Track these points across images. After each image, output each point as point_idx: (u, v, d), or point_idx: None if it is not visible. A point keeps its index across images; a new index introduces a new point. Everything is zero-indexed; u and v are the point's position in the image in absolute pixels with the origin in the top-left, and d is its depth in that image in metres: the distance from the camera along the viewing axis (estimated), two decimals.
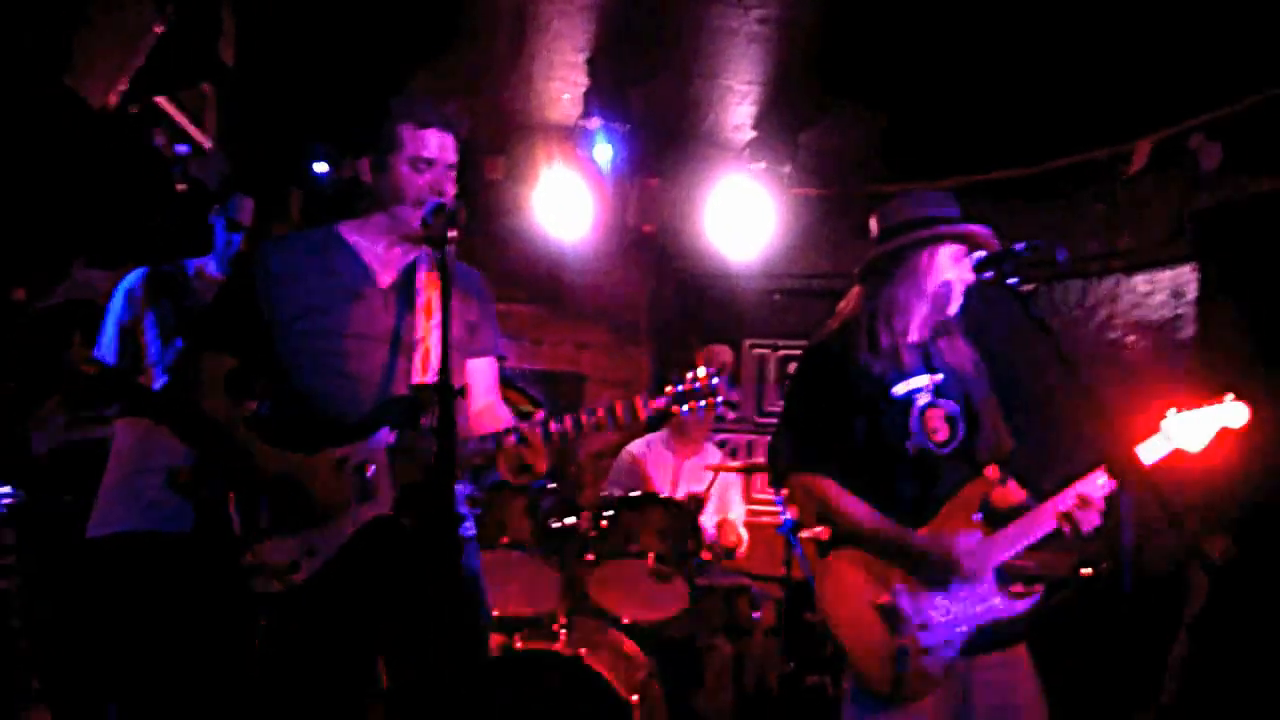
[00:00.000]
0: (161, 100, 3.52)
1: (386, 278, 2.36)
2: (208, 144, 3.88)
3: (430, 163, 2.30)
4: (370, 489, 2.20)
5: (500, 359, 2.55)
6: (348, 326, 2.28)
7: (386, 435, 2.23)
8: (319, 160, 4.61)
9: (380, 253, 2.38)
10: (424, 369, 2.27)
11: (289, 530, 2.19)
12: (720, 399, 2.24)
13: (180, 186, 3.46)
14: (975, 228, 2.49)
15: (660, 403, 2.24)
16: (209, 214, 3.12)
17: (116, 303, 3.03)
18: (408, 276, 2.38)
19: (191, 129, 3.76)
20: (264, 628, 2.27)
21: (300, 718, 2.21)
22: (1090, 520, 2.37)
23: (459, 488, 2.42)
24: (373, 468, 2.20)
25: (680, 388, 2.25)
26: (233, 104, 4.03)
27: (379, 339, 2.29)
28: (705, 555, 4.19)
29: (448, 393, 1.99)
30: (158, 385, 2.91)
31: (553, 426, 2.22)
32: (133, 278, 3.06)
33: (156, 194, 3.69)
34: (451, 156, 2.34)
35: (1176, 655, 3.40)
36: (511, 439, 2.20)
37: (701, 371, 2.26)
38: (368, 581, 2.21)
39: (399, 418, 2.24)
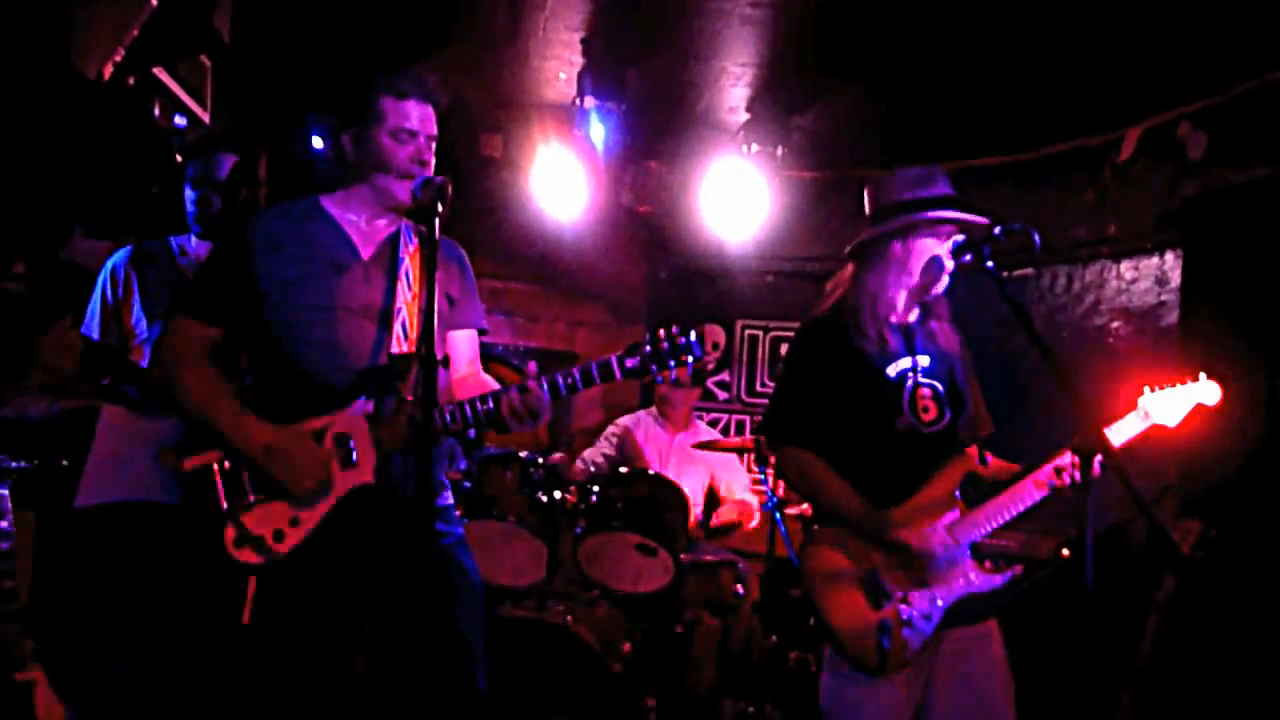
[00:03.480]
0: (160, 72, 3.54)
1: (368, 250, 2.38)
2: (205, 116, 3.89)
3: (412, 134, 2.32)
4: (351, 458, 2.23)
5: (481, 332, 2.57)
6: (328, 298, 2.30)
7: (365, 404, 2.25)
8: (316, 135, 4.62)
9: (362, 225, 2.40)
10: (404, 339, 2.29)
11: (273, 501, 2.21)
12: (692, 357, 2.24)
13: (178, 158, 3.47)
14: (952, 215, 2.52)
15: (633, 362, 2.24)
16: (185, 174, 3.07)
17: (102, 280, 3.04)
18: (390, 248, 2.40)
19: (189, 101, 3.78)
20: (253, 598, 2.31)
21: (289, 686, 2.24)
22: (1072, 477, 2.40)
23: (443, 457, 2.48)
24: (354, 437, 2.23)
25: (651, 347, 2.25)
26: (230, 76, 4.04)
27: (359, 310, 2.31)
28: (693, 531, 4.26)
29: (430, 363, 2.01)
30: (147, 363, 2.93)
31: (530, 385, 2.23)
32: (118, 255, 3.06)
33: (154, 166, 3.71)
34: (432, 128, 2.36)
35: (1149, 632, 3.47)
36: (514, 393, 2.21)
37: (675, 329, 2.26)
38: (352, 550, 2.24)
39: (377, 387, 2.27)
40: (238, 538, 2.19)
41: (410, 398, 2.24)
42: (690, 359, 2.24)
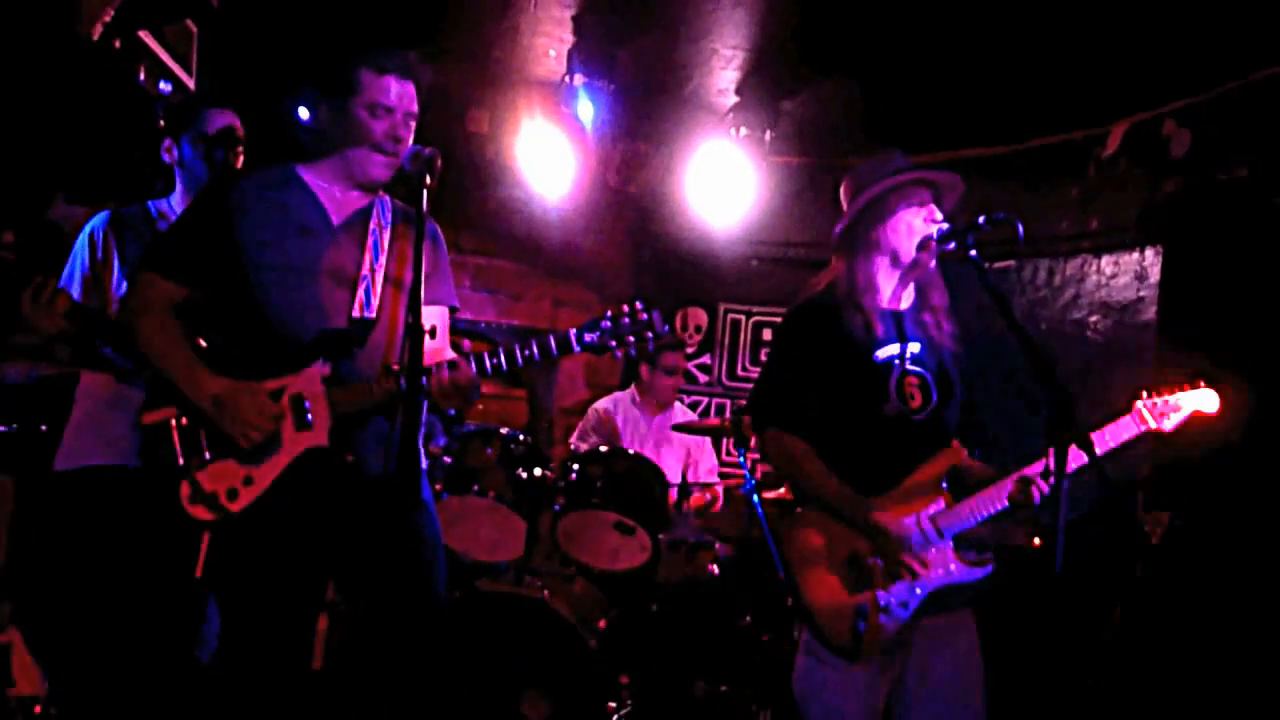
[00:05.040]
0: (146, 36, 3.50)
1: (339, 217, 2.39)
2: (190, 82, 3.86)
3: (389, 110, 2.31)
4: (306, 419, 2.24)
5: (453, 310, 2.57)
6: (294, 261, 2.30)
7: (322, 367, 2.26)
8: (303, 104, 4.59)
9: (336, 194, 2.40)
10: (366, 306, 2.30)
11: (227, 459, 2.22)
12: (653, 333, 2.24)
13: (161, 124, 3.44)
14: (913, 173, 2.53)
15: (593, 338, 2.24)
16: (175, 138, 3.03)
17: (80, 245, 3.02)
18: (360, 218, 2.40)
19: (175, 67, 3.74)
20: (206, 554, 2.34)
21: (246, 643, 2.26)
22: (1040, 489, 2.42)
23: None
24: (310, 398, 2.23)
25: (611, 323, 2.25)
26: (216, 42, 4.00)
27: (323, 273, 2.31)
28: (670, 510, 4.29)
29: (417, 333, 2.02)
30: None
31: (487, 361, 2.23)
32: (96, 220, 3.03)
33: (138, 131, 3.67)
34: (410, 105, 2.35)
35: (1113, 621, 3.53)
36: (444, 370, 2.22)
37: (639, 306, 2.26)
38: (304, 511, 2.25)
39: (335, 350, 2.27)
40: (192, 494, 2.20)
41: (396, 367, 2.23)
42: (650, 335, 2.24)
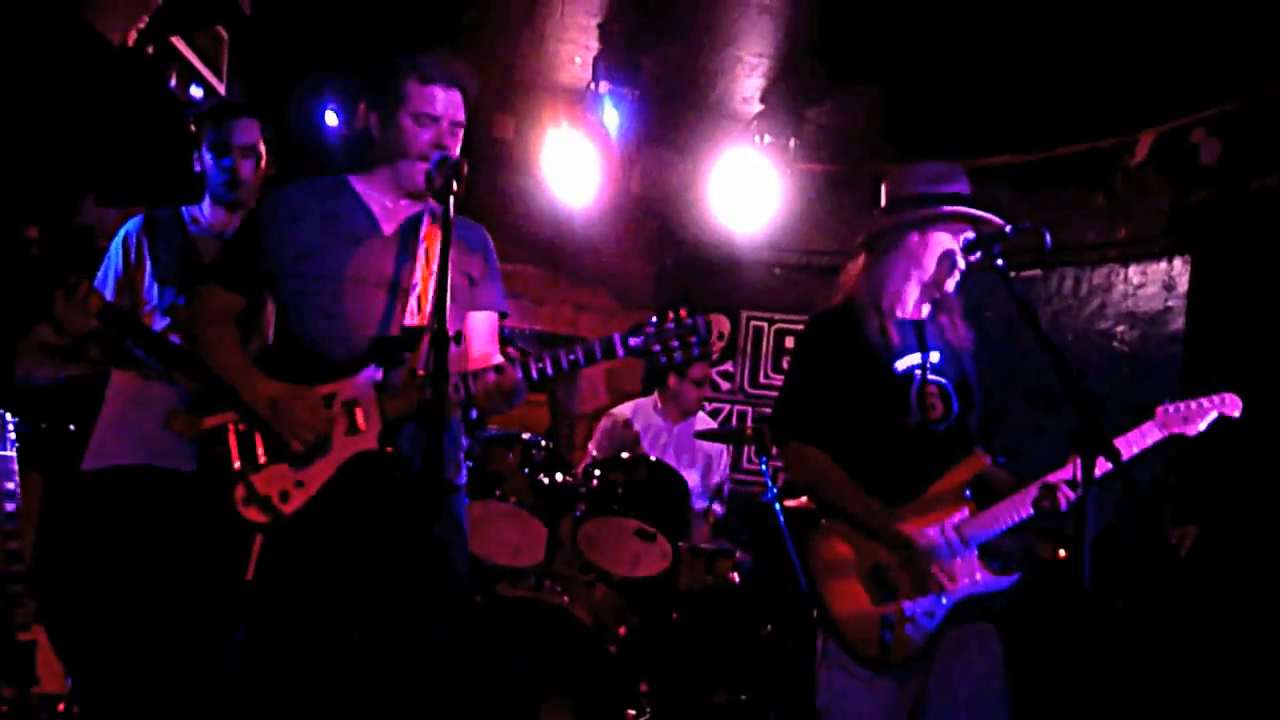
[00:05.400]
0: (177, 42, 3.54)
1: (389, 226, 2.41)
2: (221, 88, 3.90)
3: (435, 119, 2.34)
4: (357, 424, 2.26)
5: (502, 315, 2.59)
6: (345, 269, 2.32)
7: (374, 373, 2.28)
8: (330, 110, 4.63)
9: (387, 203, 2.43)
10: (416, 313, 2.32)
11: (280, 463, 2.25)
12: (697, 340, 2.21)
13: (192, 128, 3.48)
14: (969, 211, 2.51)
15: (637, 342, 2.22)
16: (196, 145, 3.04)
17: (114, 248, 3.05)
18: (411, 226, 2.42)
19: (206, 72, 3.78)
20: (258, 557, 2.35)
21: (289, 648, 2.27)
22: (1065, 496, 2.41)
23: (456, 435, 2.49)
24: (361, 404, 2.26)
25: (654, 327, 2.23)
26: (247, 48, 4.04)
27: (375, 283, 2.34)
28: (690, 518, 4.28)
29: (442, 338, 2.02)
30: (157, 327, 2.95)
31: (533, 366, 2.24)
32: (130, 223, 3.06)
33: (168, 136, 3.71)
34: (457, 114, 2.38)
35: (1142, 632, 3.49)
36: (490, 376, 2.23)
37: (683, 312, 2.24)
38: (352, 514, 2.27)
39: (387, 357, 2.29)
40: (246, 496, 2.24)
41: (421, 372, 2.25)
42: (695, 341, 2.22)
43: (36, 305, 2.68)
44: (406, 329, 2.31)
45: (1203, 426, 2.52)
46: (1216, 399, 2.54)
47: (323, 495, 2.25)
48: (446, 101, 2.35)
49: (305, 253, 2.34)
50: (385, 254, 2.37)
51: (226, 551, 2.79)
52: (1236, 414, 2.55)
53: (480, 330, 2.54)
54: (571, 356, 2.22)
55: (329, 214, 2.38)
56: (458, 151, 2.38)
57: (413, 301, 2.33)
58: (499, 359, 2.40)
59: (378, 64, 2.41)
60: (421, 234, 2.41)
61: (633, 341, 2.22)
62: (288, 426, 2.23)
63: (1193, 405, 2.53)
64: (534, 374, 2.24)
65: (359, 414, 2.27)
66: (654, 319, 2.23)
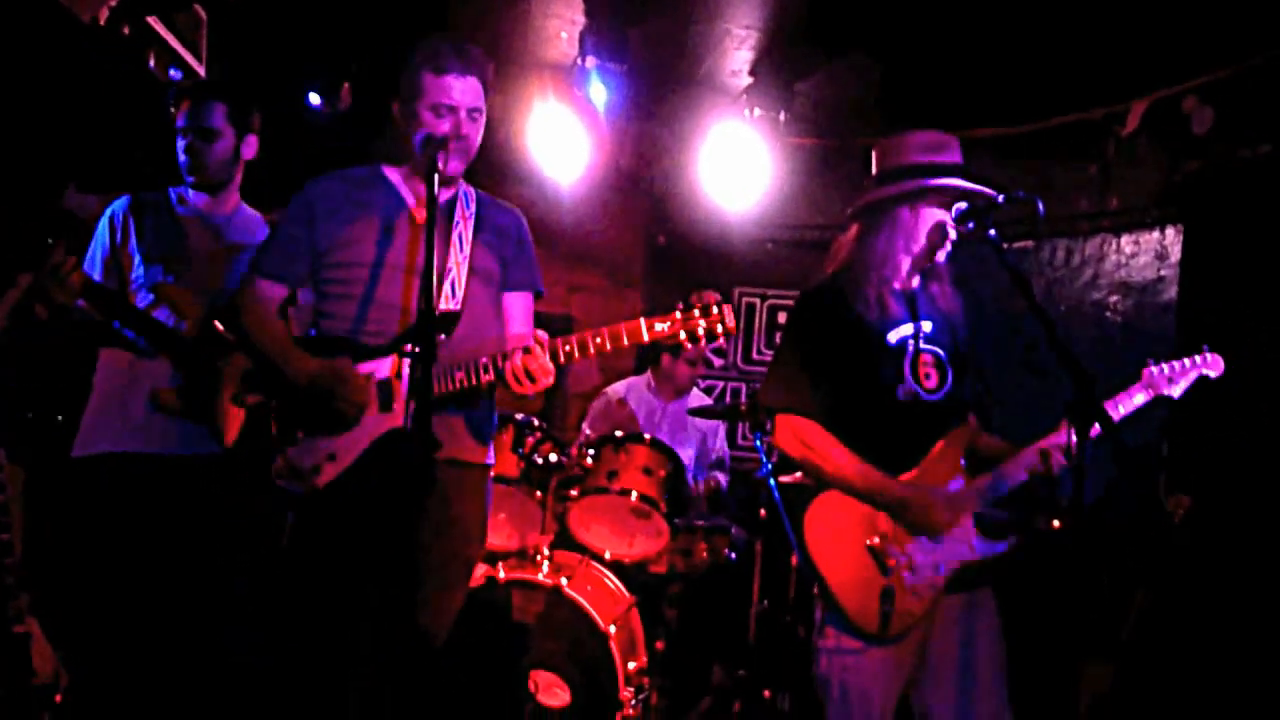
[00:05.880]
0: (155, 23, 3.48)
1: (422, 213, 2.47)
2: (201, 69, 3.84)
3: (451, 109, 2.40)
4: (390, 403, 2.36)
5: (537, 295, 2.69)
6: (379, 257, 2.42)
7: (404, 357, 2.36)
8: (313, 90, 4.57)
9: (420, 191, 2.49)
10: (451, 298, 2.43)
11: (316, 435, 2.37)
12: (722, 327, 2.25)
13: (171, 110, 3.43)
14: (960, 185, 2.49)
15: (663, 327, 2.26)
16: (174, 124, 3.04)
17: (101, 228, 3.04)
18: (444, 212, 2.51)
19: (185, 54, 3.73)
20: (290, 527, 2.43)
21: (314, 616, 2.35)
22: (1058, 461, 2.44)
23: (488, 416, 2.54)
24: (394, 385, 2.35)
25: (681, 315, 2.26)
26: (226, 28, 3.98)
27: (408, 269, 2.42)
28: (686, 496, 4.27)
29: (428, 318, 2.06)
30: (142, 305, 2.94)
31: (560, 345, 2.29)
32: (118, 203, 3.06)
33: (148, 118, 3.66)
34: (473, 100, 2.44)
35: (1136, 604, 3.50)
36: (518, 356, 2.28)
37: (709, 297, 2.29)
38: (380, 489, 2.32)
39: (420, 340, 2.33)
40: (282, 469, 2.38)
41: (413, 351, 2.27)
42: (721, 328, 2.26)
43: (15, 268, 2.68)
44: (441, 314, 2.41)
45: (1184, 386, 2.58)
46: (1199, 359, 2.60)
47: (354, 470, 2.35)
48: (462, 89, 2.42)
49: (341, 242, 2.43)
50: (417, 241, 2.44)
51: (238, 532, 2.89)
52: (1217, 374, 2.60)
53: (515, 311, 2.64)
54: (598, 340, 2.28)
55: (363, 203, 2.47)
56: (480, 135, 2.47)
57: (446, 287, 2.43)
58: (534, 339, 2.45)
59: (392, 57, 2.48)
60: (455, 218, 2.50)
61: (659, 326, 2.27)
62: (326, 401, 2.33)
63: (1176, 366, 2.58)
64: (561, 357, 2.30)
65: (392, 394, 2.36)
66: (680, 305, 2.28)
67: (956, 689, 2.47)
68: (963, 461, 2.54)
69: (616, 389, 4.99)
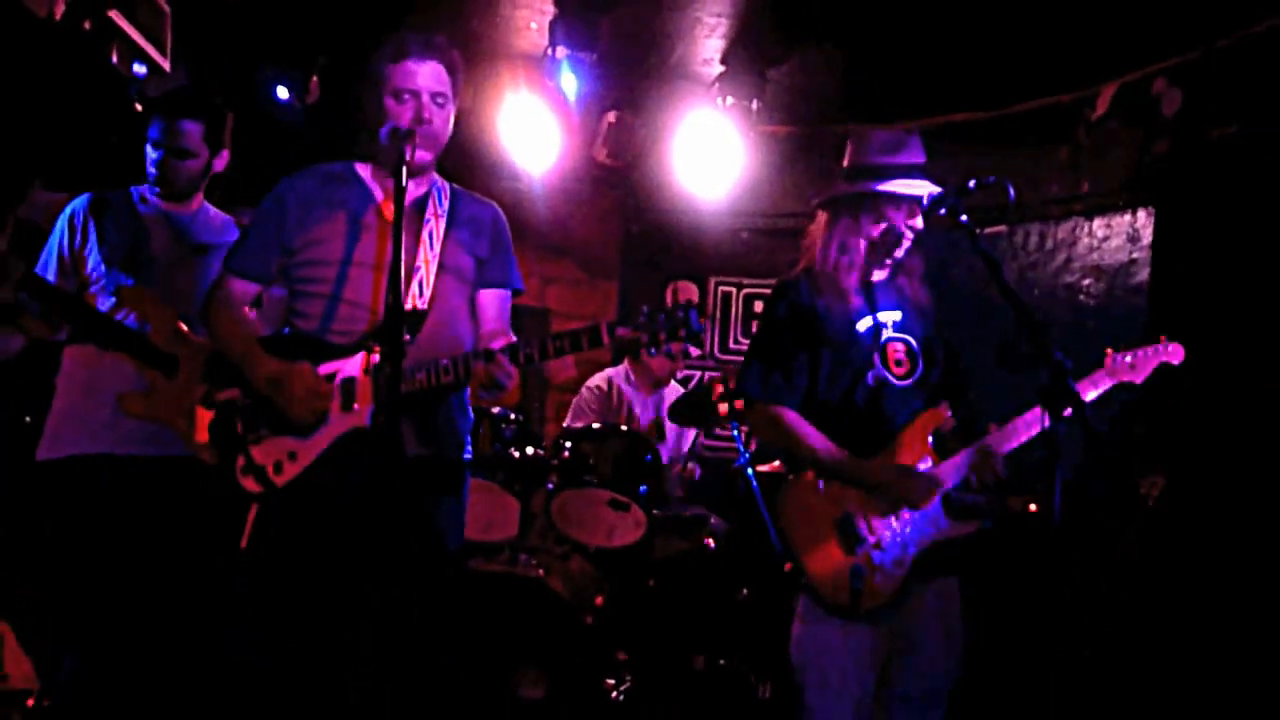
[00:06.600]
0: (117, 16, 3.42)
1: (391, 208, 2.40)
2: (166, 64, 3.78)
3: (413, 93, 2.36)
4: (352, 403, 2.33)
5: (515, 292, 2.64)
6: (348, 254, 2.38)
7: (374, 355, 2.34)
8: (281, 85, 4.51)
9: (390, 187, 2.44)
10: (419, 296, 2.39)
11: (280, 436, 2.34)
12: (686, 333, 2.23)
13: (137, 107, 3.38)
14: (905, 192, 2.55)
15: (625, 332, 2.25)
16: (147, 132, 3.01)
17: (60, 226, 2.99)
18: (416, 209, 2.47)
19: (149, 48, 3.66)
20: (251, 526, 2.42)
21: (279, 616, 2.32)
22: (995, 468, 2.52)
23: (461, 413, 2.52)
24: (358, 383, 2.33)
25: (646, 318, 2.24)
26: (190, 22, 3.92)
27: (376, 267, 2.39)
28: (664, 486, 4.27)
29: (396, 314, 2.04)
30: (103, 307, 2.90)
31: (520, 351, 2.26)
32: (77, 201, 3.01)
33: (112, 114, 3.61)
34: (436, 84, 2.40)
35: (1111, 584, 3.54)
36: (479, 365, 2.26)
37: (680, 304, 2.26)
38: (339, 489, 2.31)
39: (384, 339, 2.30)
40: (244, 465, 2.34)
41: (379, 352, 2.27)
42: (684, 334, 2.23)
43: None
44: (409, 313, 2.36)
45: (1147, 373, 2.62)
46: (1160, 347, 2.64)
47: (314, 468, 2.33)
48: (424, 74, 2.38)
49: (312, 240, 2.41)
50: (386, 237, 2.40)
51: (208, 533, 2.83)
52: (1178, 362, 2.65)
53: (490, 309, 2.59)
54: (558, 343, 2.25)
55: (334, 200, 2.44)
56: (449, 124, 2.43)
57: (415, 285, 2.39)
58: (509, 337, 2.46)
59: (360, 51, 2.43)
60: (426, 215, 2.46)
61: (620, 331, 2.24)
62: (286, 402, 2.29)
63: (1139, 353, 2.62)
64: (520, 359, 2.27)
65: (355, 392, 2.33)
66: (645, 309, 2.25)
67: (919, 670, 2.55)
68: (931, 442, 2.60)
69: (597, 380, 4.97)
